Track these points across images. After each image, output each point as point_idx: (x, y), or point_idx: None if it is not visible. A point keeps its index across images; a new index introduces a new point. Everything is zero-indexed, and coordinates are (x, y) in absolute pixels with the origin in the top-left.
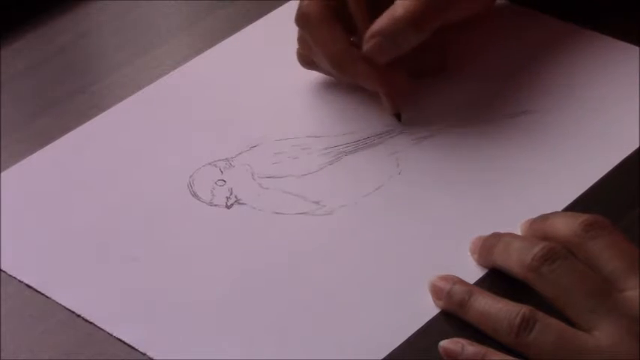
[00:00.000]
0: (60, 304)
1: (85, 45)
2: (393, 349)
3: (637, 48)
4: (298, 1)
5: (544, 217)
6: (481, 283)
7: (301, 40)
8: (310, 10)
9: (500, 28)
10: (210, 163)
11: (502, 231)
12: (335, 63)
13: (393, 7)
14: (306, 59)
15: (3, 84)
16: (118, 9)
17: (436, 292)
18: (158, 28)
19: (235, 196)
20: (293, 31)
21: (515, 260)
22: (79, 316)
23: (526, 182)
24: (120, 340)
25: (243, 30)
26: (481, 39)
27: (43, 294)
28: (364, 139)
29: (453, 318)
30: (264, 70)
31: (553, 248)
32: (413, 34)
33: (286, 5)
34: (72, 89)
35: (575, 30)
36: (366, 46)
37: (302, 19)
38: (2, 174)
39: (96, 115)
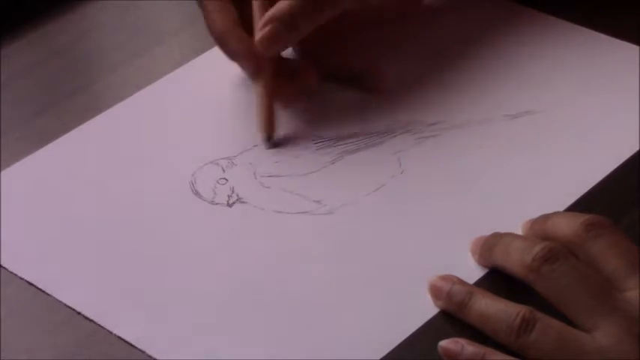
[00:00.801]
0: (60, 305)
1: (85, 45)
2: (392, 348)
3: (637, 48)
4: None
5: (545, 217)
6: (481, 283)
7: None
8: None
9: (499, 28)
10: (212, 162)
11: (503, 231)
12: (217, 38)
13: None
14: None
15: (3, 84)
16: (118, 9)
17: (436, 292)
18: (158, 28)
19: (237, 195)
20: None
21: (515, 260)
22: (79, 313)
23: (527, 182)
24: (120, 338)
25: None
26: (481, 39)
27: (43, 292)
28: (366, 138)
29: (452, 318)
30: None
31: (553, 248)
32: (310, 16)
33: None
34: (72, 89)
35: (575, 29)
36: (259, 34)
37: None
38: (2, 173)
39: (96, 115)
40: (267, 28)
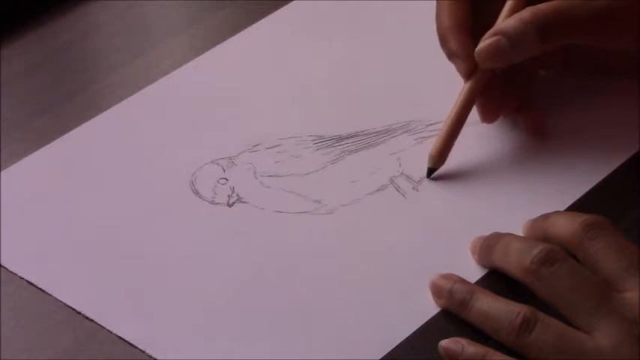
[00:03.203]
0: (60, 305)
1: (84, 45)
2: (392, 348)
3: None
4: (301, 2)
5: (545, 217)
6: (481, 283)
7: None
8: None
9: None
10: (212, 162)
11: (503, 231)
12: (440, 36)
13: (522, 11)
14: None
15: (3, 84)
16: (118, 9)
17: (437, 291)
18: (158, 28)
19: (237, 195)
20: (294, 31)
21: (514, 262)
22: (79, 313)
23: (527, 182)
24: (120, 338)
25: (244, 31)
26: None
27: (43, 292)
28: (366, 138)
29: (453, 317)
30: (266, 70)
31: (552, 250)
32: (536, 41)
33: (288, 6)
34: (72, 89)
35: None
36: (481, 45)
37: None
38: (2, 173)
39: (96, 115)
40: (491, 40)
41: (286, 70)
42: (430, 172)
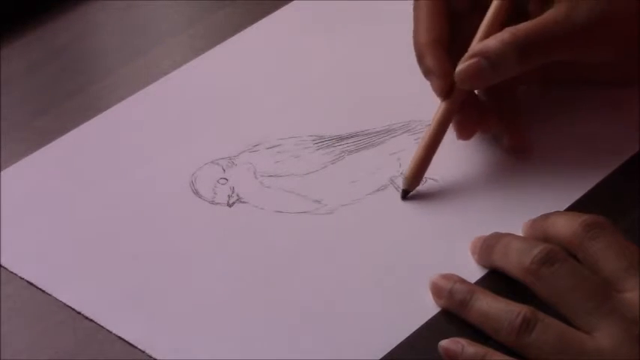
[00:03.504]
0: (60, 305)
1: (84, 45)
2: (392, 348)
3: None
4: (301, 2)
5: (545, 217)
6: (481, 282)
7: None
8: None
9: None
10: (212, 162)
11: (503, 231)
12: (416, 49)
13: (502, 32)
14: None
15: (3, 84)
16: (118, 9)
17: (437, 291)
18: (158, 28)
19: (237, 195)
20: (294, 31)
21: (514, 262)
22: (79, 313)
23: (527, 183)
24: (120, 338)
25: (244, 31)
26: None
27: (43, 292)
28: (366, 138)
29: (453, 317)
30: (266, 70)
31: (552, 250)
32: (516, 62)
33: (288, 6)
34: (72, 89)
35: None
36: (461, 66)
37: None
38: (2, 173)
39: (96, 115)
40: (470, 62)
41: (286, 70)
42: (405, 193)
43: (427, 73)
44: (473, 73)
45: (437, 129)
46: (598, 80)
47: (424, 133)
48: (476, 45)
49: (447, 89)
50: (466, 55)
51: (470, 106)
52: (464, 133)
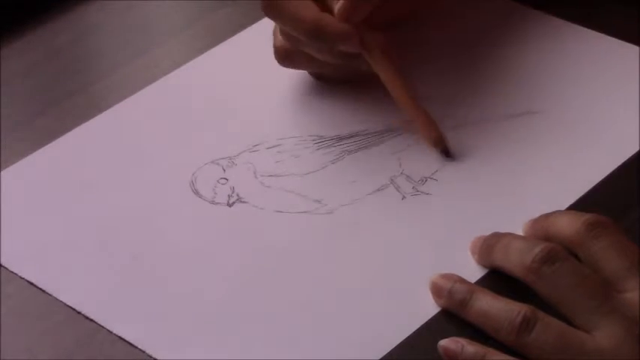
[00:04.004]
0: (60, 305)
1: (84, 45)
2: (392, 348)
3: (637, 48)
4: None
5: (546, 216)
6: (481, 282)
7: (275, 32)
8: None
9: (499, 27)
10: (212, 162)
11: (503, 231)
12: (311, 31)
13: None
14: (284, 52)
15: (3, 84)
16: (118, 9)
17: (437, 290)
18: (158, 28)
19: (237, 195)
20: None
21: (515, 261)
22: (79, 313)
23: (527, 182)
24: (120, 338)
25: (244, 31)
26: (481, 38)
27: (43, 292)
28: (366, 138)
29: (453, 317)
30: (266, 70)
31: (553, 249)
32: None
33: None
34: (72, 89)
35: (575, 29)
36: (338, 6)
37: (268, 4)
38: (2, 172)
39: (96, 115)
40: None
41: (286, 70)
42: (447, 153)
43: (338, 37)
44: (350, 5)
45: (394, 74)
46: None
47: (397, 95)
48: None
49: (361, 39)
50: None
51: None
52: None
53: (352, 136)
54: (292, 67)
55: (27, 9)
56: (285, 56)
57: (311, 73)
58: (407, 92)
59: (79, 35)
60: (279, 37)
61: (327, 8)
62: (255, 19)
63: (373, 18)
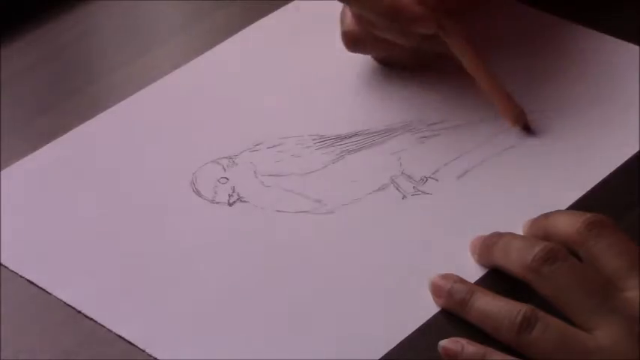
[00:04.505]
0: (60, 305)
1: (85, 45)
2: (392, 347)
3: (637, 48)
4: (301, 2)
5: (546, 216)
6: (481, 282)
7: (344, 17)
8: None
9: (499, 27)
10: (212, 161)
11: (503, 231)
12: (388, 13)
13: None
14: (353, 37)
15: (3, 84)
16: (118, 9)
17: (437, 290)
18: (158, 28)
19: (237, 194)
20: (294, 31)
21: (515, 260)
22: (79, 312)
23: (527, 182)
24: (120, 337)
25: (244, 30)
26: (481, 37)
27: (43, 292)
28: (367, 138)
29: (453, 317)
30: (266, 70)
31: (553, 249)
32: None
33: (288, 6)
34: (72, 89)
35: (575, 29)
36: None
37: None
38: (2, 172)
39: (96, 115)
40: None
41: (286, 70)
42: (528, 128)
43: (413, 22)
44: None
45: (473, 53)
46: None
47: (481, 79)
48: None
49: (439, 21)
50: None
51: None
52: None
53: (353, 136)
54: (360, 52)
55: (27, 9)
56: (355, 41)
57: (377, 59)
58: (488, 72)
59: (79, 35)
60: (348, 22)
61: None
62: (255, 19)
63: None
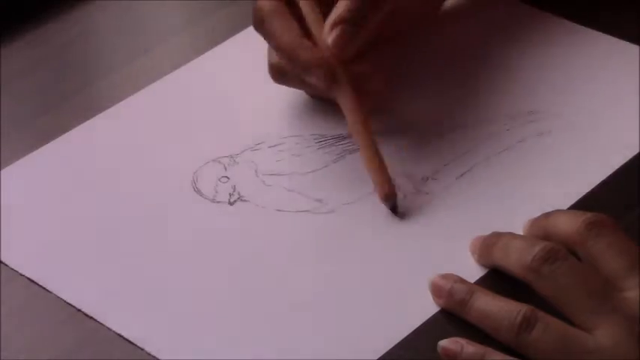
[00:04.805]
0: (60, 304)
1: (85, 45)
2: (391, 347)
3: (637, 48)
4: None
5: (546, 216)
6: (481, 282)
7: (270, 49)
8: (262, 5)
9: (499, 26)
10: (213, 160)
11: (503, 231)
12: (286, 52)
13: None
14: (277, 70)
15: (3, 84)
16: (118, 9)
17: (437, 290)
18: (158, 28)
19: (238, 193)
20: None
21: (514, 260)
22: (79, 311)
23: (527, 182)
24: (120, 336)
25: (245, 30)
26: (480, 38)
27: (44, 291)
28: None
29: (452, 317)
30: (266, 70)
31: (553, 249)
32: (372, 12)
33: None
34: (72, 89)
35: (575, 29)
36: (330, 37)
37: (255, 16)
38: (2, 172)
39: (96, 114)
40: (336, 30)
41: None
42: (394, 209)
43: (308, 65)
44: (344, 38)
45: (356, 117)
46: (404, 29)
47: (355, 136)
48: (331, 15)
49: (334, 73)
50: (326, 29)
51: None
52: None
53: None
54: (286, 85)
55: (27, 9)
56: (280, 74)
57: (307, 92)
58: (369, 140)
59: (79, 35)
60: (274, 54)
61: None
62: None
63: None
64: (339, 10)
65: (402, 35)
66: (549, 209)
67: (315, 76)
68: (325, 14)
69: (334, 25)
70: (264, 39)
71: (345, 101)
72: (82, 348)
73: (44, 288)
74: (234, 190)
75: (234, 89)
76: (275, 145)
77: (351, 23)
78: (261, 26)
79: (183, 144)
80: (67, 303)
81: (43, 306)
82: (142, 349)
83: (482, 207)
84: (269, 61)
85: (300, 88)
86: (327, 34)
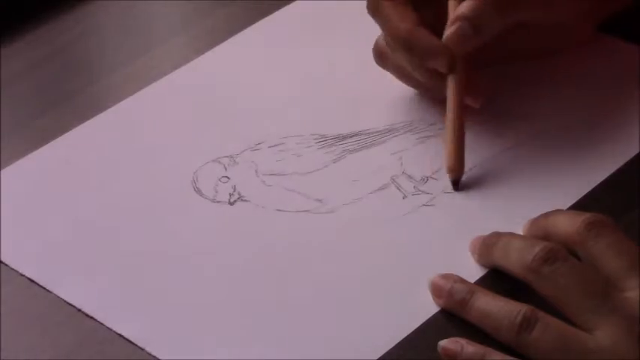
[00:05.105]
0: (60, 304)
1: (85, 45)
2: (391, 347)
3: (637, 48)
4: (301, 2)
5: (546, 216)
6: (481, 282)
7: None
8: None
9: None
10: (214, 160)
11: (503, 231)
12: (404, 41)
13: None
14: (379, 53)
15: (3, 84)
16: (118, 9)
17: (437, 290)
18: (158, 28)
19: (238, 193)
20: (294, 31)
21: (514, 260)
22: (79, 310)
23: (527, 183)
24: (120, 336)
25: (245, 30)
26: None
27: (43, 291)
28: (368, 137)
29: (452, 317)
30: (267, 70)
31: (553, 249)
32: (496, 18)
33: (288, 6)
34: (72, 89)
35: None
36: (447, 33)
37: (370, 4)
38: (2, 172)
39: (96, 115)
40: (455, 26)
41: (287, 70)
42: (455, 184)
43: (427, 53)
44: (460, 35)
45: (458, 108)
46: (553, 46)
47: (447, 118)
48: (455, 11)
49: (453, 62)
50: (448, 22)
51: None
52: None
53: (354, 136)
54: (383, 68)
55: (27, 9)
56: (380, 56)
57: (398, 78)
58: (459, 117)
59: (79, 35)
60: (380, 36)
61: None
62: (255, 19)
63: (485, 53)
64: (462, 7)
65: (547, 54)
66: (549, 209)
67: (438, 62)
68: None
69: (454, 21)
70: (377, 22)
71: (453, 85)
72: (82, 347)
73: (44, 288)
74: (234, 190)
75: (234, 89)
76: (275, 145)
77: (469, 22)
78: (375, 10)
79: (184, 144)
80: (67, 303)
81: (43, 306)
82: (142, 349)
83: (482, 207)
84: (376, 40)
85: (394, 74)
86: (447, 29)
